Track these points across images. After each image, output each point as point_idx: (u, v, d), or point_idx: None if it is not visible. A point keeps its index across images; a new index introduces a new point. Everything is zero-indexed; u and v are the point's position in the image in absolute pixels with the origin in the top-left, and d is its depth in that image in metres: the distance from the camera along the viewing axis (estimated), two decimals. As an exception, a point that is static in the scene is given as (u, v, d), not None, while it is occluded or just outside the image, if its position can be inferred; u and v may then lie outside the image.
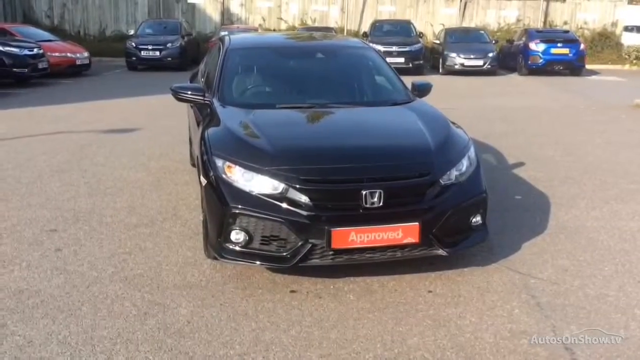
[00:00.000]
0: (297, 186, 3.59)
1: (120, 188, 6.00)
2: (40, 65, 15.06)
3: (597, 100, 13.48)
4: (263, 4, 25.08)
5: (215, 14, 25.14)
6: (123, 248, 4.45)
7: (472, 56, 18.84)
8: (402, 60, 18.43)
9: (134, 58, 19.14)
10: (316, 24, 23.97)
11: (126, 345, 3.14)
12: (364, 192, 3.56)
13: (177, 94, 4.85)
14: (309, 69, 5.34)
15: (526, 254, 4.38)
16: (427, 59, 20.53)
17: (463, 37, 20.21)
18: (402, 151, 4.03)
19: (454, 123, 4.60)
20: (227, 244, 3.72)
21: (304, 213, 3.57)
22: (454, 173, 3.89)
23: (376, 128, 4.42)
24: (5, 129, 9.08)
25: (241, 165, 3.73)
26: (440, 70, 19.32)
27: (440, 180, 3.80)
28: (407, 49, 18.77)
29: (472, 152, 4.14)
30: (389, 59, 18.95)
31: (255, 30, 21.31)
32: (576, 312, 3.52)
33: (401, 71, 18.49)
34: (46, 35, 18.18)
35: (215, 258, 3.86)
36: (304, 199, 3.59)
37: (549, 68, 18.78)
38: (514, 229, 4.89)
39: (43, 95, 13.12)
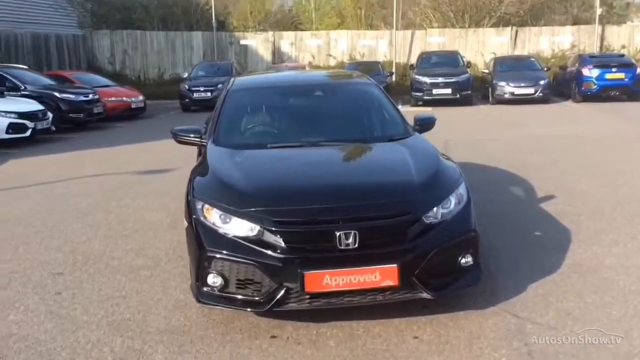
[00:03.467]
0: (271, 228, 3.53)
1: (136, 229, 6.11)
2: (95, 110, 15.84)
3: (653, 126, 12.79)
4: (312, 42, 25.54)
5: (266, 54, 25.78)
6: (120, 291, 4.49)
7: (522, 84, 18.39)
8: (449, 91, 18.25)
9: (187, 100, 19.80)
10: (365, 59, 24.11)
11: (91, 392, 3.13)
12: (338, 233, 3.45)
13: (176, 137, 4.92)
14: (306, 107, 5.30)
15: (530, 296, 4.10)
16: (477, 89, 20.18)
17: (513, 66, 19.79)
18: (383, 189, 3.89)
19: (447, 158, 4.43)
20: (204, 288, 3.69)
21: (278, 255, 3.49)
22: (439, 211, 3.72)
23: (362, 165, 4.31)
24: (51, 172, 9.51)
25: (218, 207, 3.71)
26: (490, 100, 18.91)
27: (424, 219, 3.64)
28: (453, 79, 18.49)
29: (462, 188, 3.95)
30: (435, 91, 18.92)
31: (303, 67, 21.65)
32: (568, 362, 3.24)
33: (449, 102, 18.26)
34: (104, 80, 19.09)
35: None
36: (278, 240, 3.51)
37: (603, 94, 18.04)
38: (524, 268, 4.61)
39: (95, 139, 13.71)
